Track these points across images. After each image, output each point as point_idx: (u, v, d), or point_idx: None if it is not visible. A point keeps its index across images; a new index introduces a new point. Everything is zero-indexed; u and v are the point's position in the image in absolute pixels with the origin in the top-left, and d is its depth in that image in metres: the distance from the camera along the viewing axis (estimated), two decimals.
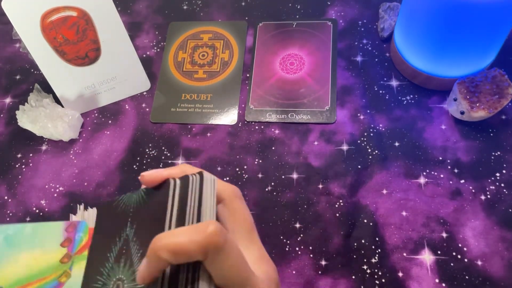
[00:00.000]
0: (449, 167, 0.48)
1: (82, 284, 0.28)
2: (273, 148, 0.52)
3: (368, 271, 0.44)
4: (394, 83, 0.54)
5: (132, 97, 0.58)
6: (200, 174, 0.27)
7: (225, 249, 0.23)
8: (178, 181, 0.27)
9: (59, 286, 0.29)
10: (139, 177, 0.28)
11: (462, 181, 0.47)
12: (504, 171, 0.48)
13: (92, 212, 0.30)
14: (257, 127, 0.53)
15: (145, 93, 0.58)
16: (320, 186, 0.49)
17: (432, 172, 0.48)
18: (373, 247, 0.45)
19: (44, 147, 0.55)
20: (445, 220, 0.46)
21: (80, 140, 0.55)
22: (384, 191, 0.48)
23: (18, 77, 0.61)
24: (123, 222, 0.28)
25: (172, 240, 0.23)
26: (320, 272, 0.44)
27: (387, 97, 0.53)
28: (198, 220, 0.26)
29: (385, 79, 0.55)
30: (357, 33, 0.58)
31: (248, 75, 0.57)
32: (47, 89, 0.55)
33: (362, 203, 0.47)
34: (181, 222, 0.25)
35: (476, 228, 0.45)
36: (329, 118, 0.53)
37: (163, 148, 0.53)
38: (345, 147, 0.51)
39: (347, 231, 0.46)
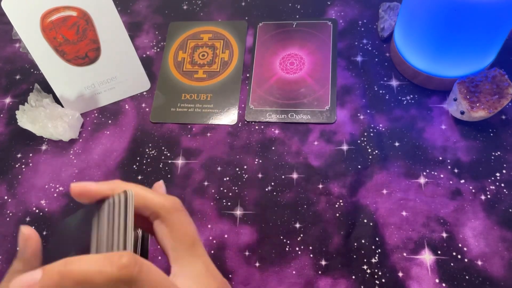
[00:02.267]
0: (449, 167, 0.48)
1: None
2: (273, 148, 0.52)
3: (368, 271, 0.44)
4: (394, 83, 0.54)
5: (132, 97, 0.58)
6: (125, 193, 0.26)
7: (140, 282, 0.22)
8: (108, 202, 0.26)
9: None
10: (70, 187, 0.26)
11: (462, 181, 0.47)
12: (504, 171, 0.48)
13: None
14: (257, 127, 0.53)
15: (145, 93, 0.58)
16: (320, 186, 0.49)
17: (432, 172, 0.48)
18: (373, 247, 0.45)
19: (44, 147, 0.55)
20: (445, 220, 0.46)
21: (80, 140, 0.55)
22: (384, 191, 0.48)
23: (18, 77, 0.61)
24: (65, 247, 0.27)
25: (80, 268, 0.21)
26: (320, 272, 0.44)
27: (387, 97, 0.53)
28: (124, 245, 0.24)
29: (385, 79, 0.55)
30: (357, 33, 0.58)
31: (248, 75, 0.57)
32: (47, 89, 0.55)
33: (362, 203, 0.47)
34: (108, 246, 0.24)
35: (476, 228, 0.45)
36: (329, 118, 0.53)
37: (163, 148, 0.53)
38: (345, 147, 0.51)
39: (347, 231, 0.46)
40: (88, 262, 0.22)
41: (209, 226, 0.48)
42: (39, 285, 0.22)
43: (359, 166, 0.49)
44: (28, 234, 0.28)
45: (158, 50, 0.61)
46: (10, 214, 0.51)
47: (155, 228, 0.27)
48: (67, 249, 0.26)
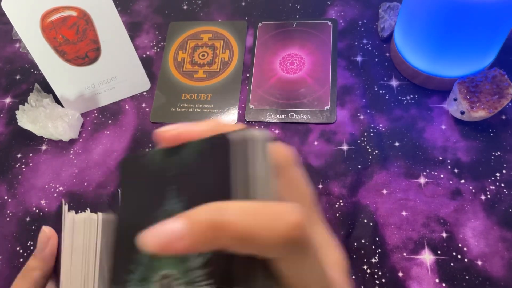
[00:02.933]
0: (449, 167, 0.48)
1: (110, 274, 0.20)
2: None
3: (368, 271, 0.44)
4: (394, 83, 0.54)
5: (132, 97, 0.58)
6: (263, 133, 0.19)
7: (309, 249, 0.17)
8: (236, 144, 0.19)
9: None
10: (154, 134, 0.21)
11: (462, 181, 0.47)
12: (504, 171, 0.48)
13: (83, 218, 0.26)
14: (257, 127, 0.53)
15: (145, 93, 0.58)
16: (320, 186, 0.49)
17: (432, 172, 0.48)
18: (373, 247, 0.45)
19: (44, 147, 0.55)
20: (445, 220, 0.46)
21: (80, 140, 0.55)
22: (384, 191, 0.48)
23: (18, 77, 0.61)
24: (162, 189, 0.20)
25: (243, 222, 0.15)
26: None
27: (387, 97, 0.53)
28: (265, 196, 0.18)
29: (385, 79, 0.55)
30: (357, 33, 0.58)
31: (248, 75, 0.57)
32: (47, 89, 0.55)
33: (362, 203, 0.47)
34: (264, 193, 0.18)
35: (476, 228, 0.45)
36: (329, 118, 0.53)
37: None
38: (345, 147, 0.51)
39: (347, 231, 0.46)
40: (252, 213, 0.16)
41: None
42: (186, 240, 0.16)
43: (359, 166, 0.49)
44: (50, 234, 0.28)
45: (158, 50, 0.61)
46: (10, 214, 0.51)
47: None
48: (175, 192, 0.20)
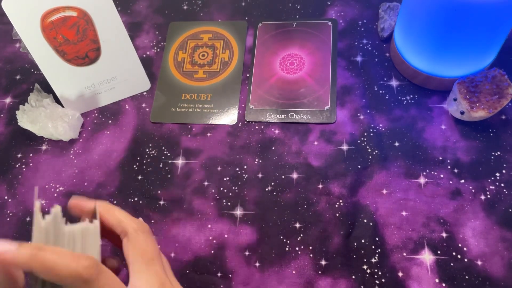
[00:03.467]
0: (449, 167, 0.48)
1: None
2: (273, 148, 0.52)
3: (368, 271, 0.44)
4: (394, 83, 0.54)
5: (132, 97, 0.58)
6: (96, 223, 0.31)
7: (97, 282, 0.27)
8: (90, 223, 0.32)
9: None
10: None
11: (462, 181, 0.47)
12: (504, 171, 0.48)
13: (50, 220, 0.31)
14: (257, 127, 0.54)
15: (145, 93, 0.58)
16: (320, 186, 0.49)
17: (432, 172, 0.48)
18: (373, 247, 0.45)
19: (44, 147, 0.55)
20: (445, 220, 0.46)
21: (80, 140, 0.55)
22: (384, 191, 0.48)
23: (18, 77, 0.61)
24: None
25: (50, 257, 0.26)
26: (320, 272, 0.45)
27: (387, 97, 0.53)
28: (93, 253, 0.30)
29: (385, 79, 0.55)
30: (357, 33, 0.58)
31: (248, 75, 0.57)
32: (47, 89, 0.55)
33: (362, 203, 0.47)
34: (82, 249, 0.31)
35: (476, 228, 0.45)
36: (329, 118, 0.53)
37: (163, 148, 0.53)
38: (345, 147, 0.51)
39: (347, 231, 0.46)
40: (58, 254, 0.27)
41: (209, 226, 0.48)
42: (11, 255, 0.26)
43: (359, 166, 0.49)
44: None
45: (158, 50, 0.61)
46: (10, 214, 0.51)
47: (123, 244, 0.32)
48: None
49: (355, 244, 0.45)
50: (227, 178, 0.51)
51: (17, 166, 0.54)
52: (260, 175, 0.50)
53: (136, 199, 0.50)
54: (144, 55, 0.60)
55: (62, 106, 0.56)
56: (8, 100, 0.59)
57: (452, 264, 0.44)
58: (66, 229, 0.30)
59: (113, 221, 0.33)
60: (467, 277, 0.43)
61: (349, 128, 0.52)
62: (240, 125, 0.54)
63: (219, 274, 0.45)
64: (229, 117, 0.54)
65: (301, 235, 0.47)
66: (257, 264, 0.46)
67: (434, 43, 0.48)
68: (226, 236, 0.47)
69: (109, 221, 0.33)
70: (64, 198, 0.51)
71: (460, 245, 0.44)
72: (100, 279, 0.27)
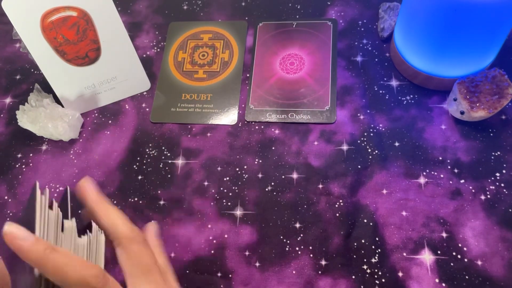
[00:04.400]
0: (449, 167, 0.48)
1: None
2: (273, 148, 0.52)
3: (368, 271, 0.44)
4: (394, 83, 0.54)
5: (132, 97, 0.58)
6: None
7: None
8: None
9: None
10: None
11: (462, 181, 0.47)
12: (504, 171, 0.48)
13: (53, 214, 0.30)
14: (257, 127, 0.54)
15: (145, 93, 0.58)
16: (320, 186, 0.49)
17: (432, 172, 0.48)
18: (373, 247, 0.45)
19: (44, 147, 0.55)
20: (445, 220, 0.46)
21: (80, 140, 0.55)
22: (384, 191, 0.48)
23: (18, 77, 0.61)
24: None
25: (63, 260, 0.27)
26: (320, 272, 0.45)
27: (387, 97, 0.53)
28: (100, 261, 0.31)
29: (385, 79, 0.55)
30: (357, 33, 0.58)
31: (248, 75, 0.57)
32: (47, 89, 0.55)
33: (362, 203, 0.47)
34: (88, 256, 0.31)
35: (476, 228, 0.45)
36: (329, 118, 0.53)
37: (163, 148, 0.53)
38: (345, 147, 0.51)
39: (347, 231, 0.46)
40: (70, 259, 0.27)
41: (209, 226, 0.48)
42: (27, 247, 0.26)
43: (359, 166, 0.49)
44: None
45: (158, 50, 0.61)
46: (10, 214, 0.51)
47: (117, 252, 0.32)
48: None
49: (355, 244, 0.45)
50: (227, 178, 0.51)
51: (17, 166, 0.54)
52: (260, 175, 0.50)
53: (136, 199, 0.50)
54: (144, 55, 0.60)
55: (62, 106, 0.56)
56: (8, 100, 0.59)
57: (452, 264, 0.44)
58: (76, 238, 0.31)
59: (107, 225, 0.32)
60: (467, 277, 0.43)
61: (349, 128, 0.52)
62: (240, 125, 0.54)
63: (219, 274, 0.45)
64: (229, 117, 0.54)
65: (301, 235, 0.47)
66: (257, 264, 0.46)
67: (434, 43, 0.48)
68: (226, 236, 0.47)
69: (104, 225, 0.32)
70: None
71: (460, 245, 0.44)
72: (107, 286, 0.28)
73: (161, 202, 0.50)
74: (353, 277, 0.44)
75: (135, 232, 0.32)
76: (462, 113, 0.49)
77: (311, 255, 0.45)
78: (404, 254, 0.44)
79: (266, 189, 0.49)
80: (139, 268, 0.31)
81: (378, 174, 0.49)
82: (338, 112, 0.53)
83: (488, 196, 0.46)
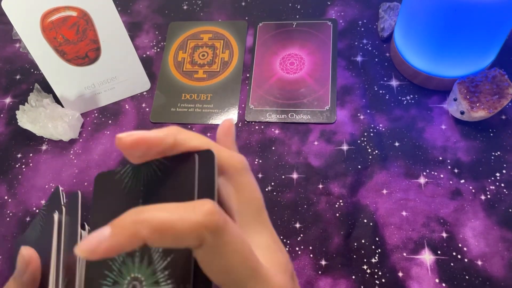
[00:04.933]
0: (449, 167, 0.48)
1: (85, 279, 0.23)
2: (273, 148, 0.52)
3: (368, 271, 0.44)
4: (394, 83, 0.54)
5: (132, 97, 0.58)
6: (210, 152, 0.22)
7: (226, 232, 0.19)
8: (197, 157, 0.22)
9: None
10: (116, 139, 0.23)
11: (462, 181, 0.47)
12: (504, 171, 0.48)
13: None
14: (257, 127, 0.54)
15: (145, 93, 0.58)
16: (320, 186, 0.49)
17: (432, 172, 0.48)
18: (373, 247, 0.45)
19: (44, 147, 0.55)
20: (445, 220, 0.46)
21: (80, 140, 0.55)
22: (384, 191, 0.48)
23: (18, 77, 0.61)
24: (133, 201, 0.23)
25: (159, 215, 0.18)
26: (320, 272, 0.44)
27: (387, 97, 0.53)
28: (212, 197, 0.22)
29: (385, 79, 0.55)
30: (357, 33, 0.58)
31: (248, 75, 0.57)
32: (47, 89, 0.55)
33: (362, 203, 0.47)
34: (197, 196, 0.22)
35: (476, 228, 0.45)
36: (329, 118, 0.53)
37: None
38: (345, 147, 0.51)
39: (347, 231, 0.46)
40: (167, 209, 0.19)
41: None
42: (109, 241, 0.18)
43: (359, 166, 0.49)
44: (28, 258, 0.26)
45: (158, 50, 0.61)
46: (10, 214, 0.51)
47: (219, 186, 0.23)
48: (131, 201, 0.23)
49: (355, 244, 0.45)
50: None
51: (17, 166, 0.54)
52: (260, 175, 0.50)
53: None
54: (144, 55, 0.60)
55: (62, 106, 0.56)
56: (8, 100, 0.59)
57: (452, 264, 0.44)
58: None
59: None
60: (467, 277, 0.43)
61: (349, 128, 0.52)
62: (240, 125, 0.54)
63: None
64: (229, 117, 0.54)
65: (301, 235, 0.46)
66: None
67: (434, 43, 0.48)
68: None
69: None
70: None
71: (460, 245, 0.44)
72: (228, 227, 0.19)
73: None
74: (353, 277, 0.44)
75: (241, 158, 0.25)
76: (462, 113, 0.49)
77: (311, 255, 0.45)
78: (404, 254, 0.44)
79: (266, 189, 0.49)
80: (252, 205, 0.24)
81: (378, 174, 0.49)
82: (338, 112, 0.53)
83: (488, 196, 0.46)
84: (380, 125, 0.52)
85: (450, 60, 0.49)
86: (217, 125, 0.54)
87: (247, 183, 0.24)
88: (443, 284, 0.43)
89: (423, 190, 0.47)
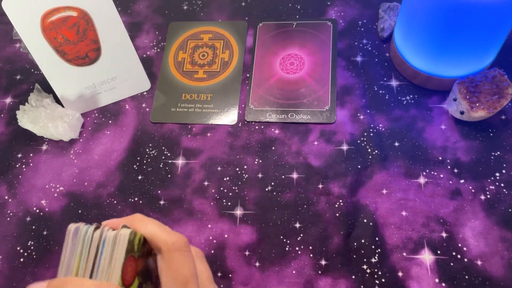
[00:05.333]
0: (449, 167, 0.48)
1: None
2: (273, 148, 0.52)
3: (368, 271, 0.44)
4: (394, 83, 0.54)
5: (132, 97, 0.58)
6: (127, 232, 0.28)
7: (185, 256, 0.26)
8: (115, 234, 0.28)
9: None
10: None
11: (462, 181, 0.48)
12: (504, 171, 0.48)
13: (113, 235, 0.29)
14: (257, 127, 0.54)
15: (145, 93, 0.58)
16: (320, 186, 0.49)
17: (432, 172, 0.48)
18: (373, 247, 0.45)
19: (44, 147, 0.55)
20: (445, 220, 0.46)
21: (80, 140, 0.55)
22: (384, 191, 0.48)
23: (18, 77, 0.61)
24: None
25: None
26: (320, 272, 0.45)
27: (387, 97, 0.53)
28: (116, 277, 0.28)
29: (385, 79, 0.55)
30: (357, 33, 0.58)
31: (248, 75, 0.57)
32: (48, 89, 0.55)
33: (362, 203, 0.47)
34: (107, 275, 0.27)
35: (476, 228, 0.45)
36: (329, 118, 0.53)
37: (163, 148, 0.53)
38: (345, 147, 0.51)
39: (347, 231, 0.46)
40: (86, 285, 0.25)
41: (209, 226, 0.48)
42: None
43: (359, 166, 0.49)
44: None
45: (158, 50, 0.61)
46: (11, 214, 0.51)
47: (157, 260, 0.29)
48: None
49: (355, 244, 0.45)
50: (227, 178, 0.51)
51: (17, 166, 0.54)
52: (260, 175, 0.50)
53: (136, 199, 0.50)
54: (144, 55, 0.60)
55: (62, 106, 0.56)
56: (8, 100, 0.59)
57: (452, 264, 0.44)
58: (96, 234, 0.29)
59: (147, 235, 0.29)
60: (467, 277, 0.43)
61: (349, 128, 0.52)
62: (240, 125, 0.54)
63: (219, 274, 0.46)
64: (229, 117, 0.54)
65: (301, 235, 0.47)
66: (257, 264, 0.46)
67: (434, 43, 0.48)
68: (226, 236, 0.47)
69: (145, 236, 0.30)
70: (64, 198, 0.51)
71: (460, 245, 0.44)
72: (188, 255, 0.28)
73: (161, 202, 0.50)
74: (353, 277, 0.44)
75: (176, 238, 0.29)
76: (462, 113, 0.49)
77: (311, 255, 0.45)
78: (404, 254, 0.44)
79: (266, 189, 0.49)
80: (177, 280, 0.28)
81: (378, 174, 0.49)
82: (338, 112, 0.53)
83: (488, 196, 0.46)
84: (380, 125, 0.52)
85: (450, 60, 0.49)
86: (217, 125, 0.54)
87: (175, 262, 0.28)
88: (443, 284, 0.43)
89: (423, 190, 0.47)
